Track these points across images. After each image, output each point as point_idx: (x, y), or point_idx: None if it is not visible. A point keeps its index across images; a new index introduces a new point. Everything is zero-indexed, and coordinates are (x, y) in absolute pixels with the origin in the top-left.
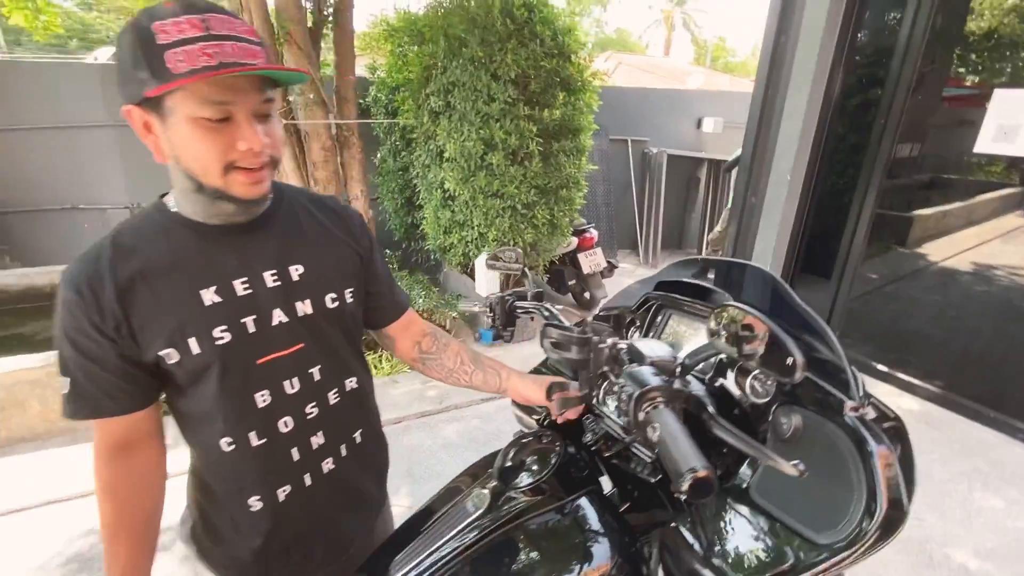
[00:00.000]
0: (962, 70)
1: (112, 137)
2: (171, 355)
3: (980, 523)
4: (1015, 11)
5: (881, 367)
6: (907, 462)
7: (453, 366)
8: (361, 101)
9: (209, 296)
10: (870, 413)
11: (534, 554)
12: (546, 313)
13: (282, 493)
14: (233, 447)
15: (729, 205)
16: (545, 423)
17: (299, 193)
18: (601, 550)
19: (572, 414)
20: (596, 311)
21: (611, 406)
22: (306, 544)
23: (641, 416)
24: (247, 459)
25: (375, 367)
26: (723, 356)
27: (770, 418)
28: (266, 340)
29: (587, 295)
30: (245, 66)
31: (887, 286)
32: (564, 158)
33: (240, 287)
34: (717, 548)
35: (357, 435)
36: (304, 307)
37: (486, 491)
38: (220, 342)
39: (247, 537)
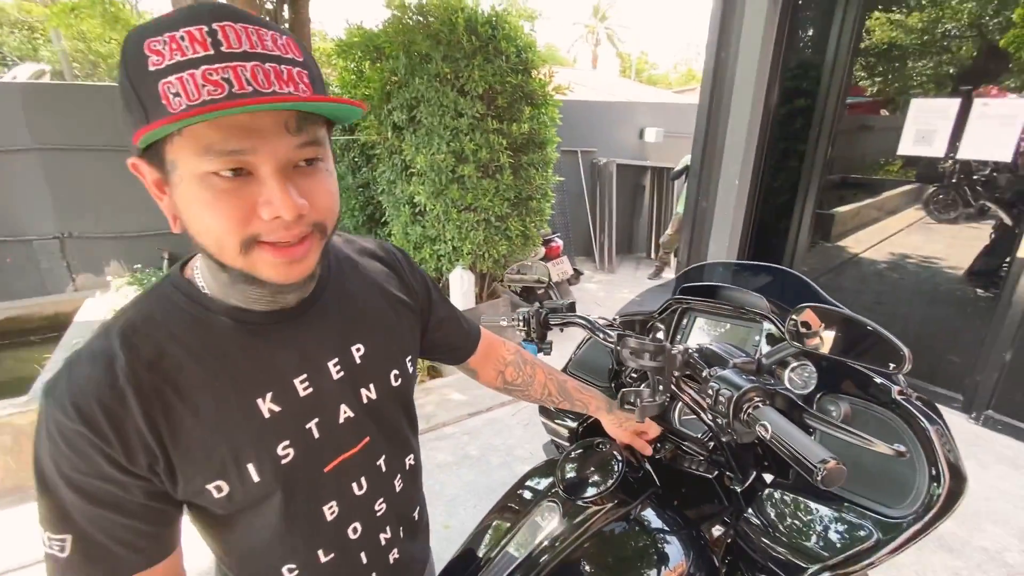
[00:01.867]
0: (877, 81)
1: (35, 161)
2: (220, 487)
3: None
4: (921, 31)
5: None
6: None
7: (539, 396)
8: None
9: (267, 406)
10: (914, 395)
11: (617, 562)
12: (586, 323)
13: None
14: (296, 572)
15: (679, 211)
16: (580, 432)
17: (337, 243)
18: (676, 549)
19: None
20: (615, 318)
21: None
22: None
23: (743, 417)
24: None
25: None
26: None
27: (814, 407)
28: (332, 444)
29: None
30: (265, 97)
31: (824, 276)
32: (533, 170)
33: (300, 387)
34: (797, 532)
35: (415, 513)
36: (369, 393)
37: (554, 503)
38: (285, 461)
39: None
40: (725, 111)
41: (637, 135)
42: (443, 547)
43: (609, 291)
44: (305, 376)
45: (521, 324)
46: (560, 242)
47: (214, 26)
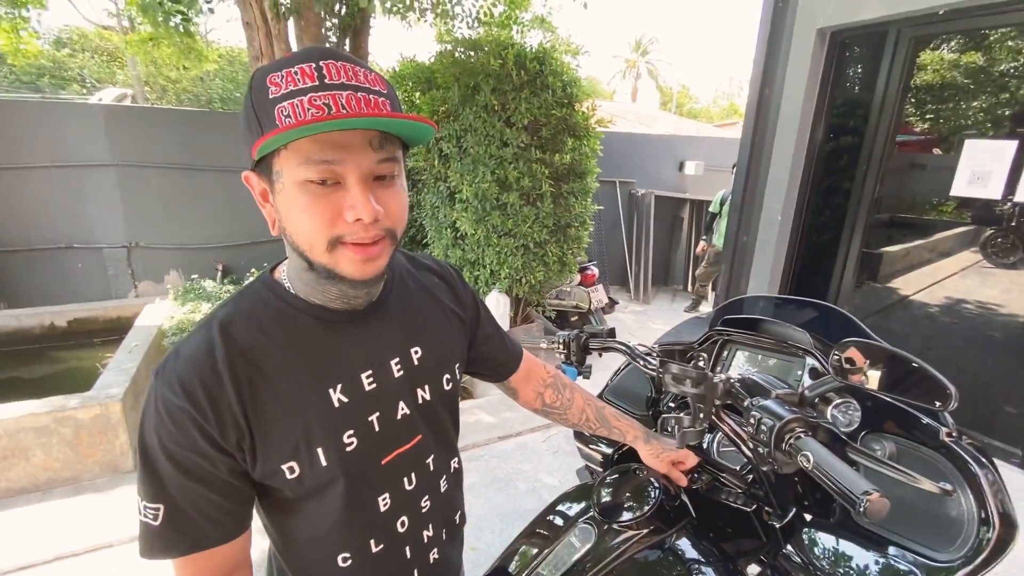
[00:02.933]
0: (929, 119)
1: (112, 176)
2: (292, 468)
3: None
4: (976, 70)
5: None
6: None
7: (577, 421)
8: None
9: (336, 396)
10: (963, 438)
11: None
12: (625, 349)
13: None
14: (349, 562)
15: (716, 244)
16: (615, 458)
17: (399, 257)
18: None
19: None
20: (654, 346)
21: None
22: None
23: (784, 447)
24: (362, 569)
25: None
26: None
27: (857, 445)
28: (390, 437)
29: None
30: (347, 115)
31: (871, 317)
32: (573, 199)
33: (366, 382)
34: (838, 573)
35: (457, 516)
36: (424, 394)
37: (589, 525)
38: (349, 449)
39: None
40: (768, 147)
41: (676, 167)
42: (469, 570)
43: (642, 322)
44: (370, 372)
45: (561, 347)
46: (596, 270)
47: (320, 63)
